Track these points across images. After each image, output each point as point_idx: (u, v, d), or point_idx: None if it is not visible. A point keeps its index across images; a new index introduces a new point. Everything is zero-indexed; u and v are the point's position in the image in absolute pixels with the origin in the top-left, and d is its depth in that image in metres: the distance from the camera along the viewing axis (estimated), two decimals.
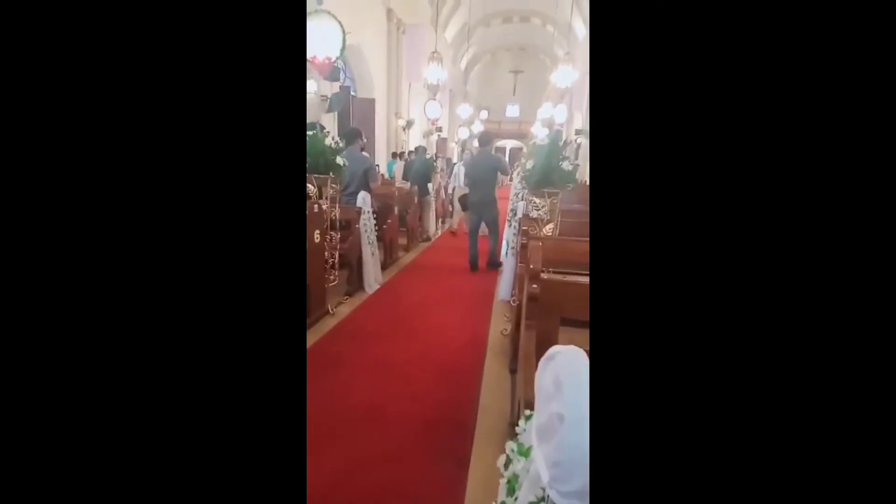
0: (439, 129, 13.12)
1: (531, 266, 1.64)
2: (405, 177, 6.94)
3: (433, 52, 8.44)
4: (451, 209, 7.29)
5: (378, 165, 7.70)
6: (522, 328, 1.78)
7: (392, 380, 2.23)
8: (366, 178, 3.80)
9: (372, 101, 9.60)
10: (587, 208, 3.63)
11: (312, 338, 2.68)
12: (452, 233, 6.65)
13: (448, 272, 4.56)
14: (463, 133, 15.56)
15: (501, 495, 0.83)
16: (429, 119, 10.78)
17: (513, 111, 23.98)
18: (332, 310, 3.12)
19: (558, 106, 11.61)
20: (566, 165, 2.94)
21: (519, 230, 3.11)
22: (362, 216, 3.57)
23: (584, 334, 0.69)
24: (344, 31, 4.01)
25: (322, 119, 6.95)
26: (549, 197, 2.95)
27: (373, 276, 3.76)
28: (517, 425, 0.87)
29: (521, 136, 20.95)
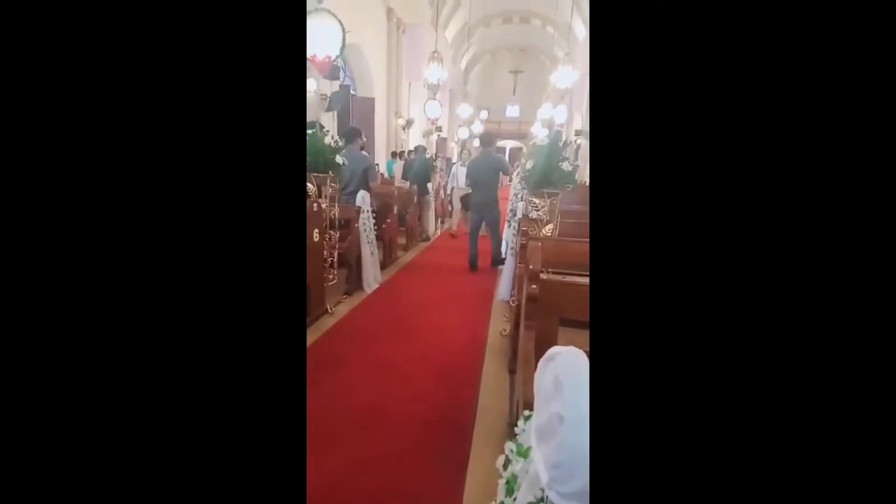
0: (439, 129, 13.11)
1: (531, 266, 1.64)
2: (405, 176, 6.93)
3: (433, 52, 8.43)
4: (450, 209, 7.29)
5: (377, 165, 7.69)
6: (522, 328, 1.78)
7: (391, 379, 2.22)
8: (365, 177, 3.80)
9: (372, 101, 9.60)
10: (587, 209, 3.64)
11: (311, 336, 2.68)
12: (452, 235, 6.65)
13: (447, 272, 4.56)
14: (463, 133, 15.55)
15: (500, 496, 0.83)
16: (428, 119, 10.77)
17: (513, 111, 23.99)
18: (331, 309, 3.12)
19: (558, 106, 11.61)
20: (566, 166, 2.94)
21: (518, 230, 3.11)
22: (361, 215, 3.57)
23: (584, 335, 0.69)
24: (344, 30, 4.01)
25: (322, 118, 6.95)
26: (548, 197, 2.96)
27: (372, 276, 3.76)
28: (516, 426, 0.86)
29: (521, 136, 20.95)
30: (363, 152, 4.10)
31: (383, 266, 4.31)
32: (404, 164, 7.51)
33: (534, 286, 1.60)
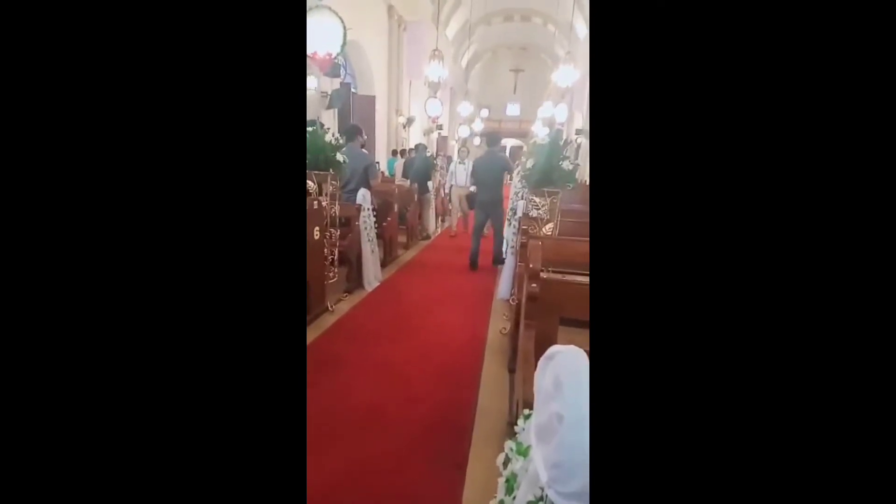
0: (440, 127, 13.10)
1: (531, 265, 1.64)
2: (405, 174, 6.92)
3: (434, 50, 8.41)
4: (449, 207, 7.28)
5: (378, 163, 7.69)
6: (522, 327, 1.78)
7: (391, 379, 2.23)
8: (366, 175, 3.80)
9: (372, 98, 9.58)
10: (587, 208, 3.64)
11: (311, 335, 2.68)
12: (451, 236, 6.66)
13: (447, 270, 4.56)
14: (463, 131, 15.53)
15: (500, 494, 0.83)
16: (429, 117, 10.76)
17: (513, 110, 23.95)
18: (332, 307, 3.12)
19: (559, 105, 11.59)
20: (566, 165, 2.93)
21: (519, 229, 3.11)
22: (362, 213, 3.57)
23: (584, 334, 0.68)
24: (345, 28, 4.00)
25: (322, 116, 6.94)
26: (549, 196, 2.95)
27: (372, 274, 3.76)
28: (516, 424, 0.87)
29: (522, 134, 20.92)
30: (364, 150, 4.10)
31: (384, 264, 4.31)
32: (405, 163, 7.50)
33: (534, 285, 1.60)
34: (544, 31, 16.84)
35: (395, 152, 9.73)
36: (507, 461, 0.84)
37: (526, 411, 0.83)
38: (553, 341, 1.47)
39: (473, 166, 4.74)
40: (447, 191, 7.22)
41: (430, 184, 6.45)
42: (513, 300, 2.78)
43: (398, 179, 7.12)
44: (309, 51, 3.88)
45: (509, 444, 0.84)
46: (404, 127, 11.37)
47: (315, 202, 2.93)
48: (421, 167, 6.28)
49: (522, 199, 3.42)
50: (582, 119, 12.26)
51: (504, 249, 4.06)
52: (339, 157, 3.09)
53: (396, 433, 1.78)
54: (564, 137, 4.23)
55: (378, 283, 3.82)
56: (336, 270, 3.28)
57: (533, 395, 0.73)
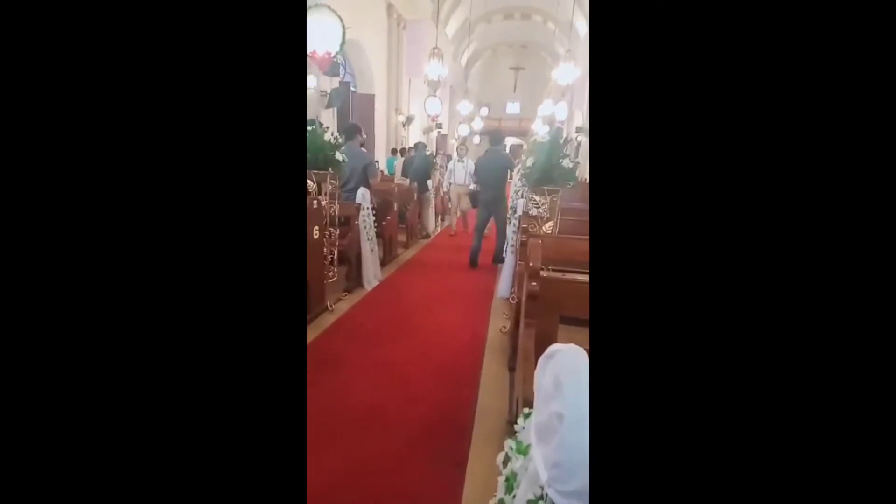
0: (439, 126, 13.09)
1: (531, 264, 1.64)
2: (405, 173, 6.92)
3: (434, 48, 8.40)
4: (449, 206, 7.28)
5: (377, 161, 7.67)
6: (522, 326, 1.78)
7: (391, 379, 2.23)
8: (365, 174, 3.79)
9: (372, 97, 9.57)
10: (587, 206, 3.63)
11: (311, 334, 2.68)
12: (451, 235, 6.66)
13: (447, 269, 4.56)
14: (463, 130, 15.52)
15: (500, 493, 0.83)
16: (429, 115, 10.76)
17: (513, 108, 23.93)
18: (331, 306, 3.12)
19: (559, 103, 11.59)
20: (566, 163, 2.93)
21: (519, 228, 3.11)
22: (361, 212, 3.56)
23: (584, 333, 0.68)
24: (344, 27, 3.99)
25: (321, 115, 6.94)
26: (549, 195, 2.95)
27: (372, 273, 3.76)
28: (516, 423, 0.86)
29: (522, 133, 20.89)
30: (363, 149, 4.10)
31: (383, 263, 4.31)
32: (404, 161, 7.50)
33: (534, 283, 1.60)
34: (544, 29, 16.82)
35: (394, 151, 9.72)
36: (506, 460, 0.84)
37: (526, 410, 0.83)
38: (553, 340, 1.47)
39: (476, 165, 4.76)
40: (446, 189, 7.22)
41: (429, 182, 6.45)
42: (513, 299, 2.78)
43: (398, 178, 7.12)
44: (308, 50, 3.88)
45: (509, 442, 0.84)
46: (404, 126, 11.36)
47: (314, 201, 2.93)
48: (420, 166, 6.27)
49: (522, 197, 3.42)
50: (582, 117, 12.26)
51: (504, 248, 4.06)
52: (339, 156, 3.09)
53: (396, 432, 1.78)
54: (564, 135, 4.23)
55: (378, 283, 3.82)
56: (335, 270, 3.28)
57: (533, 393, 0.73)
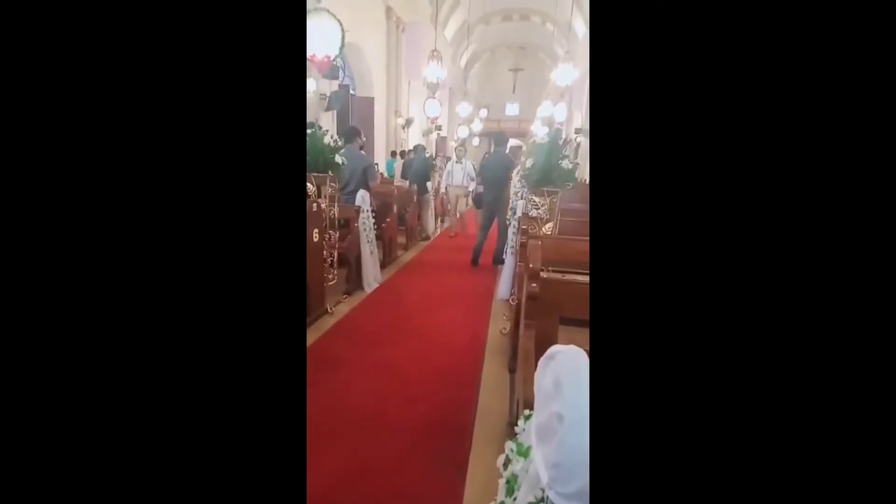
0: (439, 128, 13.09)
1: (530, 265, 1.64)
2: (404, 175, 6.93)
3: (433, 51, 8.41)
4: (448, 207, 7.28)
5: (377, 164, 7.68)
6: (522, 327, 1.78)
7: (391, 380, 2.22)
8: (365, 176, 3.80)
9: (371, 100, 9.58)
10: (587, 207, 3.64)
11: (311, 337, 2.68)
12: (451, 236, 6.66)
13: (447, 271, 4.56)
14: (462, 131, 15.52)
15: (500, 495, 0.83)
16: (428, 117, 10.76)
17: (512, 109, 23.94)
18: (331, 308, 3.12)
19: (558, 104, 11.60)
20: (566, 164, 2.93)
21: (518, 229, 3.11)
22: (361, 215, 3.56)
23: (584, 333, 0.68)
24: (343, 30, 4.00)
25: (321, 118, 6.94)
26: (548, 196, 2.95)
27: (372, 275, 3.76)
28: (516, 425, 0.86)
29: (521, 134, 20.86)
30: (362, 152, 4.10)
31: (383, 265, 4.31)
32: (404, 164, 7.51)
33: (534, 284, 1.60)
34: (543, 31, 16.85)
35: (394, 153, 9.74)
36: (507, 462, 0.84)
37: (526, 412, 0.83)
38: (553, 341, 1.47)
39: (481, 166, 4.80)
40: (443, 191, 7.23)
41: (429, 184, 6.45)
42: (513, 300, 2.78)
43: (397, 180, 7.13)
44: (307, 53, 3.88)
45: (510, 444, 0.83)
46: (403, 128, 11.37)
47: (314, 204, 2.93)
48: (420, 168, 6.28)
49: (522, 198, 3.42)
50: (581, 118, 12.27)
51: (504, 250, 4.06)
52: (338, 158, 3.09)
53: (396, 433, 1.78)
54: (564, 136, 4.24)
55: (377, 285, 3.81)
56: (335, 272, 3.28)
57: (533, 395, 0.73)
